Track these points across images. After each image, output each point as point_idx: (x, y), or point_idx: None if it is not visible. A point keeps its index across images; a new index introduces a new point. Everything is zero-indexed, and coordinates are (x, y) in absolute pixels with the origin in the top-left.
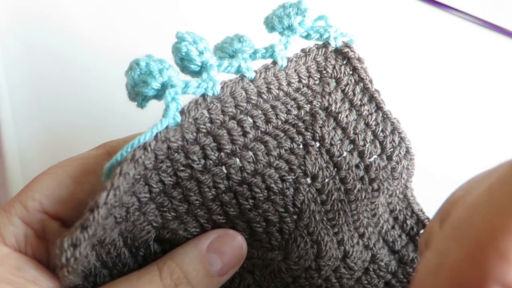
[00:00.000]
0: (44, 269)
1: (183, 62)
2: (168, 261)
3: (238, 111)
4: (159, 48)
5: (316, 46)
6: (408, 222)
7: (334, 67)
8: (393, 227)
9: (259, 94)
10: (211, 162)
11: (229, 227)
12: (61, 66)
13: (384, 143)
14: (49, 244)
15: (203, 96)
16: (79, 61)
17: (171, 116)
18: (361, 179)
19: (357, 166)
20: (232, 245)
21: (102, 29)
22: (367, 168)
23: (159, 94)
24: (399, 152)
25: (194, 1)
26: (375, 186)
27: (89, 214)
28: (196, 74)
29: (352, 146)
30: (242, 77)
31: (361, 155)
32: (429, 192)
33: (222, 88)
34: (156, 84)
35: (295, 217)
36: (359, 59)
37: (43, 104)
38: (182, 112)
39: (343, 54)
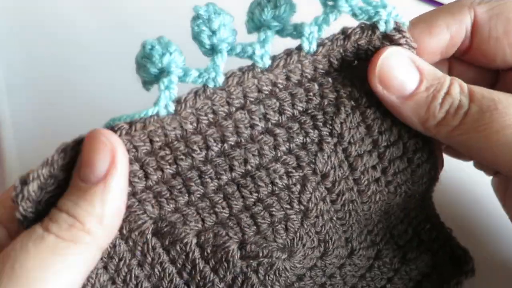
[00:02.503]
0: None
1: (195, 41)
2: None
3: (248, 101)
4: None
5: (361, 27)
6: (418, 217)
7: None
8: (401, 221)
9: (274, 84)
10: (213, 153)
11: (233, 223)
12: (61, 66)
13: (408, 144)
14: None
15: (204, 86)
16: (78, 62)
17: (162, 105)
18: (377, 180)
19: (373, 167)
20: (91, 146)
21: (102, 30)
22: (384, 170)
23: (160, 78)
24: (421, 155)
25: None
26: (392, 189)
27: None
28: (210, 55)
29: (372, 146)
30: (253, 66)
31: (381, 156)
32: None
33: (228, 78)
34: (154, 70)
35: (301, 215)
36: (411, 47)
37: (43, 105)
38: (178, 102)
39: (392, 40)
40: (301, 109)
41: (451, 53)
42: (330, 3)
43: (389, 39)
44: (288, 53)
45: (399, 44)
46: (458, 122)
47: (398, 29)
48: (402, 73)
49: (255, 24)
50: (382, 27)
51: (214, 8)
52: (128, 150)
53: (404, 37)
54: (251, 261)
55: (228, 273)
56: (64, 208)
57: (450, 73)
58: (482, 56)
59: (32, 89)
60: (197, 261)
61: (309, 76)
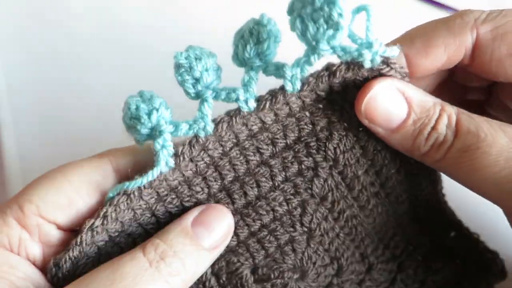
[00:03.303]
0: (36, 269)
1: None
2: (151, 239)
3: (240, 139)
4: (162, 47)
5: (347, 63)
6: (438, 225)
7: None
8: (420, 232)
9: (263, 121)
10: (214, 190)
11: (242, 249)
12: (62, 67)
13: (404, 157)
14: (44, 246)
15: (196, 137)
16: (79, 62)
17: (163, 164)
18: (376, 194)
19: (371, 184)
20: (217, 216)
21: (103, 30)
22: (383, 185)
23: (153, 135)
24: (418, 165)
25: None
26: (392, 199)
27: (74, 239)
28: (196, 99)
29: (369, 165)
30: (239, 110)
31: (378, 173)
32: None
33: (217, 125)
34: (144, 130)
35: (305, 235)
36: (402, 75)
37: (43, 105)
38: (176, 155)
39: (381, 73)
40: (294, 138)
41: (447, 68)
42: (313, 43)
43: (377, 72)
44: (273, 94)
45: (389, 75)
46: (441, 156)
47: (386, 62)
48: (388, 108)
49: (239, 62)
50: (367, 65)
51: (195, 53)
52: (140, 206)
53: (392, 69)
54: (265, 283)
55: None
56: (179, 255)
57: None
58: (481, 73)
59: (33, 89)
60: None
61: (297, 109)
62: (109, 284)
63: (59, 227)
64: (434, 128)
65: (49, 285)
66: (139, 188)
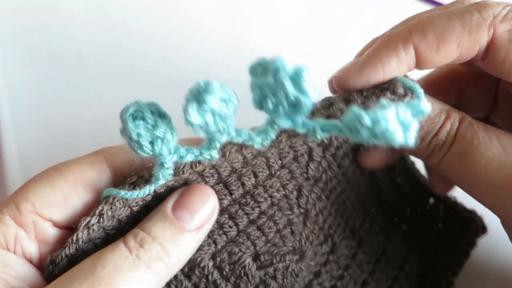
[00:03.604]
0: (32, 267)
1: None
2: (132, 229)
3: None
4: (162, 48)
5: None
6: (416, 195)
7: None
8: (400, 203)
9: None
10: (211, 184)
11: (243, 238)
12: (62, 67)
13: None
14: (40, 244)
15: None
16: (79, 62)
17: (161, 183)
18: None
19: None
20: (198, 196)
21: (103, 31)
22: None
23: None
24: None
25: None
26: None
27: (71, 236)
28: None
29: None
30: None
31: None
32: None
33: (224, 153)
34: (147, 154)
35: (302, 217)
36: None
37: (43, 105)
38: (175, 174)
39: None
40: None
41: (456, 63)
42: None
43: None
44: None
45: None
46: (438, 160)
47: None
48: None
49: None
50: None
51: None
52: (137, 203)
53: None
54: (268, 269)
55: (249, 285)
56: (159, 239)
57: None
58: (491, 71)
59: (33, 89)
60: (218, 282)
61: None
62: (91, 273)
63: (56, 225)
64: (436, 135)
65: (45, 283)
66: (133, 187)
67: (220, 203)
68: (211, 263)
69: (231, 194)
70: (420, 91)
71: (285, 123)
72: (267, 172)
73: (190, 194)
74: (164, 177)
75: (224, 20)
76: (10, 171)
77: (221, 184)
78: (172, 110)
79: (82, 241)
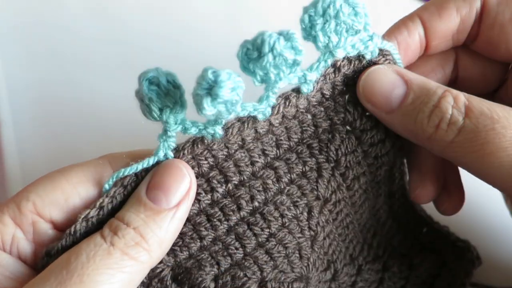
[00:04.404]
0: (27, 268)
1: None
2: (109, 220)
3: (246, 141)
4: (163, 47)
5: (348, 58)
6: (411, 222)
7: None
8: (397, 231)
9: (271, 124)
10: (218, 194)
11: (249, 262)
12: (62, 67)
13: (398, 160)
14: (37, 246)
15: (201, 137)
16: (80, 63)
17: (161, 155)
18: (365, 190)
19: (365, 182)
20: (171, 173)
21: (103, 31)
22: (372, 181)
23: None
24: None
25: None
26: (374, 192)
27: (68, 228)
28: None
29: (367, 168)
30: (253, 118)
31: (373, 174)
32: None
33: (227, 130)
34: (154, 119)
35: (310, 240)
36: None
37: (43, 105)
38: (176, 150)
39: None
40: (296, 140)
41: (463, 39)
42: (327, 54)
43: (375, 64)
44: (286, 97)
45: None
46: (451, 139)
47: (382, 53)
48: (384, 88)
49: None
50: (368, 56)
51: (231, 75)
52: None
53: (387, 60)
54: None
55: None
56: (132, 224)
57: (457, 64)
58: (487, 44)
59: (33, 89)
60: None
61: (303, 110)
62: (65, 265)
63: (55, 226)
64: (437, 105)
65: None
66: (136, 178)
67: (227, 220)
68: (212, 285)
69: (239, 209)
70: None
71: (341, 52)
72: (277, 186)
73: (162, 173)
74: (164, 148)
75: (225, 16)
76: (10, 171)
77: (229, 198)
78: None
79: (79, 234)
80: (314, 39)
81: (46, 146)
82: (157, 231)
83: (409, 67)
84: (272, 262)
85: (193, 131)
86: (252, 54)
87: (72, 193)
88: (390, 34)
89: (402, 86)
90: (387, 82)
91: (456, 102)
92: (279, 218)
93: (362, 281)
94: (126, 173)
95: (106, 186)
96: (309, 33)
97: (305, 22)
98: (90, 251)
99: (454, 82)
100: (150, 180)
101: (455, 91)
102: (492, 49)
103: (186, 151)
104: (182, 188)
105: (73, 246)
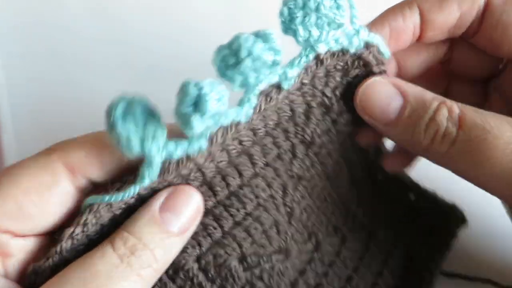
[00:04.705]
0: (8, 282)
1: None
2: (119, 232)
3: (225, 139)
4: (162, 47)
5: (331, 53)
6: (396, 190)
7: (346, 67)
8: (382, 199)
9: (251, 123)
10: (197, 183)
11: (228, 240)
12: (62, 67)
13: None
14: (4, 258)
15: (187, 156)
16: (80, 63)
17: (146, 182)
18: (339, 163)
19: (340, 156)
20: (185, 199)
21: (103, 30)
22: (348, 156)
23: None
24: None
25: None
26: (352, 166)
27: (53, 247)
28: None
29: (340, 145)
30: (236, 123)
31: (348, 152)
32: None
33: (211, 140)
34: (137, 153)
35: (287, 216)
36: (379, 63)
37: (43, 105)
38: (160, 173)
39: (362, 59)
40: (272, 124)
41: (459, 33)
42: (309, 49)
43: (359, 58)
44: (267, 95)
45: (366, 63)
46: (445, 150)
47: (367, 46)
48: (381, 101)
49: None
50: (352, 50)
51: (212, 84)
52: (120, 207)
53: (371, 53)
54: (254, 270)
55: (235, 286)
56: (149, 246)
57: (451, 54)
58: (487, 41)
59: (33, 89)
60: (203, 284)
61: (281, 100)
62: (82, 285)
63: (16, 235)
64: (432, 118)
65: None
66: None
67: (205, 205)
68: (195, 266)
69: (215, 195)
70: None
71: (323, 47)
72: (252, 171)
73: (176, 196)
74: (149, 177)
75: (225, 16)
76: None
77: (205, 186)
78: (168, 101)
79: (65, 251)
80: (294, 33)
81: (46, 146)
82: (166, 253)
83: (400, 51)
84: (250, 238)
85: (178, 152)
86: (229, 60)
87: (25, 201)
88: (384, 18)
89: (399, 99)
90: (384, 95)
91: (450, 114)
92: (254, 199)
93: (347, 249)
94: (107, 200)
95: (88, 201)
96: (288, 26)
97: (284, 15)
98: (108, 271)
99: (447, 63)
100: (164, 201)
101: (449, 102)
102: (492, 47)
103: (170, 172)
104: (192, 214)
105: (59, 263)
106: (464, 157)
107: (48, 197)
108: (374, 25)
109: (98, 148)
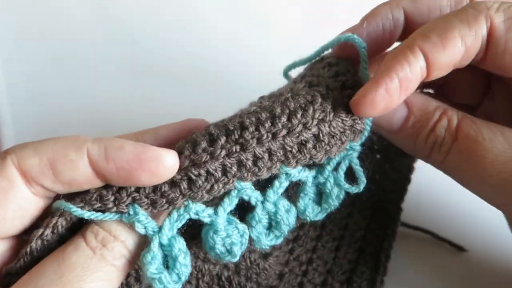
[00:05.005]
0: None
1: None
2: (90, 226)
3: None
4: (160, 51)
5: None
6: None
7: None
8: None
9: None
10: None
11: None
12: (62, 66)
13: None
14: None
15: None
16: (79, 62)
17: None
18: None
19: None
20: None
21: (103, 30)
22: None
23: None
24: None
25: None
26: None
27: (23, 248)
28: None
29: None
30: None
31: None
32: None
33: None
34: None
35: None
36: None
37: (43, 105)
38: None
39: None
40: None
41: (465, 64)
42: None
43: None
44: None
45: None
46: (442, 159)
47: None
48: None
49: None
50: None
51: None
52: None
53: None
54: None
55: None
56: (120, 238)
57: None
58: (495, 68)
59: (33, 89)
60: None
61: None
62: (58, 278)
63: None
64: (432, 129)
65: None
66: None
67: None
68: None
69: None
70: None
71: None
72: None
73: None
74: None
75: (225, 16)
76: None
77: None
78: (167, 103)
79: (36, 252)
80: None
81: None
82: (140, 243)
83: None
84: None
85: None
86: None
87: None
88: (390, 68)
89: (403, 109)
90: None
91: (449, 125)
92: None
93: (321, 245)
94: (73, 211)
95: (57, 206)
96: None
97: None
98: (83, 264)
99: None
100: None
101: (450, 113)
102: (500, 73)
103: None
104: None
105: (30, 262)
106: (459, 167)
107: (5, 203)
108: (381, 78)
109: (53, 157)
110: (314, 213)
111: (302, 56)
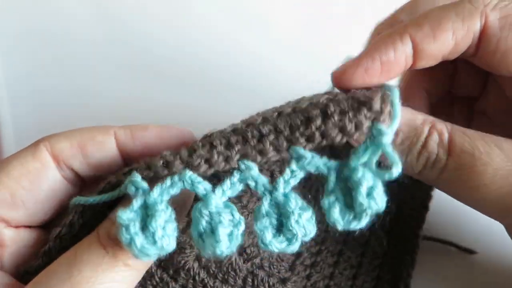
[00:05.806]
0: (6, 276)
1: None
2: (104, 223)
3: None
4: (160, 51)
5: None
6: None
7: None
8: None
9: None
10: None
11: None
12: (62, 67)
13: None
14: (2, 248)
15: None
16: (79, 62)
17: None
18: None
19: None
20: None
21: (103, 31)
22: None
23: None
24: None
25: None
26: None
27: (42, 247)
28: None
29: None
30: None
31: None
32: None
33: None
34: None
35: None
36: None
37: (43, 105)
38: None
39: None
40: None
41: (454, 57)
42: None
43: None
44: None
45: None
46: (436, 176)
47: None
48: None
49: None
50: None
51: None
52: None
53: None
54: (254, 260)
55: (237, 278)
56: None
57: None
58: (485, 65)
59: (33, 88)
60: (206, 280)
61: None
62: (68, 278)
63: (10, 224)
64: (424, 146)
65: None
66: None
67: None
68: (196, 265)
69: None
70: (398, 108)
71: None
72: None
73: None
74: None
75: (225, 17)
76: None
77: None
78: (166, 103)
79: (54, 251)
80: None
81: None
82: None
83: None
84: (247, 230)
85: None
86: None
87: (17, 189)
88: (375, 51)
89: None
90: None
91: (440, 139)
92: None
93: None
94: (91, 202)
95: (75, 202)
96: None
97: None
98: (94, 264)
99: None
100: None
101: (439, 126)
102: (488, 69)
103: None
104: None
105: (49, 261)
106: (456, 184)
107: (39, 183)
108: (364, 57)
109: (83, 141)
110: (345, 220)
111: (302, 56)
